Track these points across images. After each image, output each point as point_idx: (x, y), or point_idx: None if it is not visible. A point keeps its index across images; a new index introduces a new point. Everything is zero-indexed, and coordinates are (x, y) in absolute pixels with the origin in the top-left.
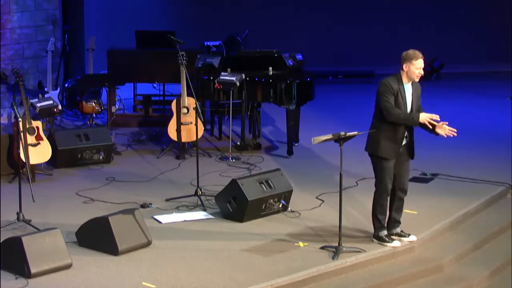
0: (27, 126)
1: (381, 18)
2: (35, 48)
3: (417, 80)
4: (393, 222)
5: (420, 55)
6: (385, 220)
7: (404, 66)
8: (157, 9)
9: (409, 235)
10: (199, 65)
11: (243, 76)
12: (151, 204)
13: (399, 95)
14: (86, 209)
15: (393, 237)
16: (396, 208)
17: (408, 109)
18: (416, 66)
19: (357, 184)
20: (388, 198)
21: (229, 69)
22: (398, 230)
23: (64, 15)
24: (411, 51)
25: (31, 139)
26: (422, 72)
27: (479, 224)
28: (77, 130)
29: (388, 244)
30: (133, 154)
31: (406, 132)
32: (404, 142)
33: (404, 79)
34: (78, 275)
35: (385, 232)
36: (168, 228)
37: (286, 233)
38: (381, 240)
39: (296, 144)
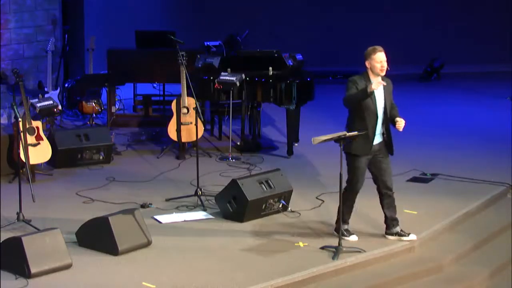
0: (27, 126)
1: (381, 18)
2: (35, 48)
3: (381, 73)
4: (390, 221)
5: (379, 48)
6: (349, 215)
7: (366, 64)
8: (157, 9)
9: (409, 234)
10: (199, 65)
11: (243, 76)
12: (151, 204)
13: None
14: (86, 209)
15: (392, 237)
16: (387, 205)
17: (380, 105)
18: (377, 60)
19: None
20: (355, 198)
21: (229, 69)
22: (398, 229)
23: (64, 15)
24: (370, 48)
25: (31, 139)
26: (385, 65)
27: (479, 224)
28: (77, 130)
29: (346, 238)
30: (133, 154)
31: (382, 129)
32: (380, 140)
33: (371, 76)
34: (78, 275)
35: (345, 227)
36: (168, 228)
37: (286, 233)
38: (340, 233)
39: (296, 144)
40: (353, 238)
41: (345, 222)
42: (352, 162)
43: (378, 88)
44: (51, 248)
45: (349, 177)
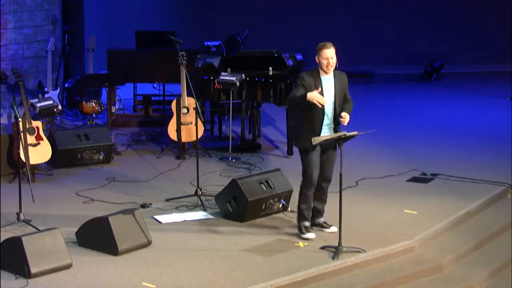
0: (27, 126)
1: (381, 18)
2: (35, 48)
3: (328, 70)
4: (315, 212)
5: (328, 45)
6: (309, 212)
7: (316, 59)
8: (157, 9)
9: (330, 226)
10: (199, 65)
11: (243, 76)
12: (151, 204)
13: (313, 87)
14: (86, 209)
15: (314, 227)
16: (317, 197)
17: (328, 102)
18: (323, 56)
19: (357, 184)
20: (313, 189)
21: (229, 69)
22: (320, 220)
23: (64, 15)
24: (320, 44)
25: (31, 139)
26: (331, 62)
27: (479, 224)
28: (77, 130)
29: (303, 236)
30: (133, 154)
31: (332, 124)
32: (330, 134)
33: (321, 72)
34: (78, 275)
35: (305, 224)
36: (168, 228)
37: (286, 233)
38: (299, 230)
39: None
40: (310, 236)
41: (305, 219)
42: (305, 155)
43: (328, 82)
44: (51, 248)
45: (303, 169)
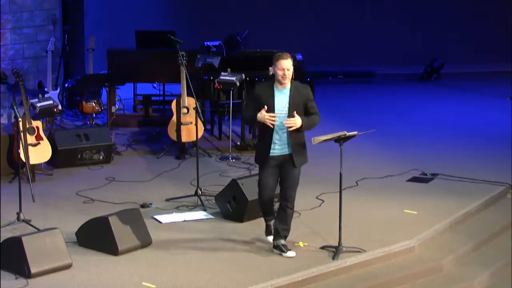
0: (27, 126)
1: (381, 18)
2: (35, 48)
3: (283, 81)
4: (275, 232)
5: (284, 56)
6: (271, 222)
7: (273, 70)
8: (157, 9)
9: (288, 250)
10: (199, 65)
11: (243, 76)
12: (151, 204)
13: (262, 98)
14: (86, 209)
15: (274, 250)
16: (278, 218)
17: (280, 114)
18: (279, 67)
19: (357, 184)
20: (268, 206)
21: (229, 69)
22: (280, 242)
23: (64, 15)
24: (277, 54)
25: (31, 139)
26: (287, 74)
27: (479, 224)
28: (77, 130)
29: (266, 237)
30: (133, 154)
31: (287, 140)
32: (286, 151)
33: (276, 83)
34: (78, 275)
35: (269, 232)
36: (168, 228)
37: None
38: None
39: None
40: (270, 238)
41: (270, 233)
42: (259, 170)
43: (282, 95)
44: (51, 248)
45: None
